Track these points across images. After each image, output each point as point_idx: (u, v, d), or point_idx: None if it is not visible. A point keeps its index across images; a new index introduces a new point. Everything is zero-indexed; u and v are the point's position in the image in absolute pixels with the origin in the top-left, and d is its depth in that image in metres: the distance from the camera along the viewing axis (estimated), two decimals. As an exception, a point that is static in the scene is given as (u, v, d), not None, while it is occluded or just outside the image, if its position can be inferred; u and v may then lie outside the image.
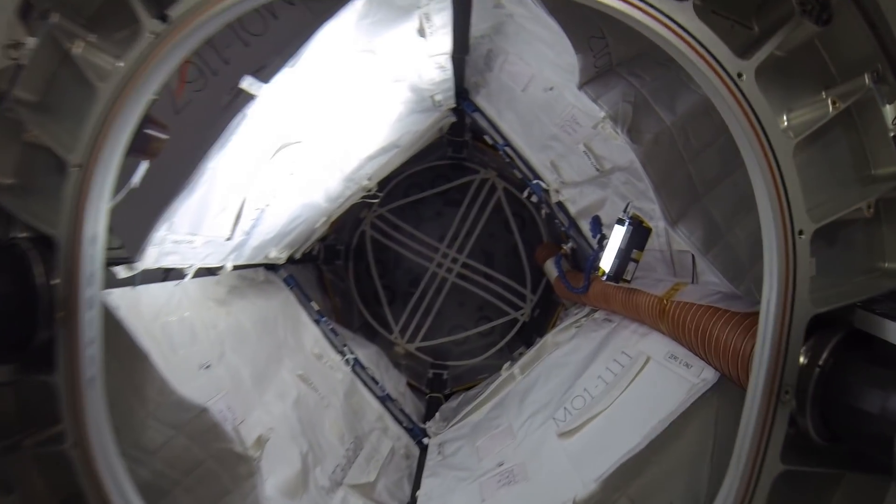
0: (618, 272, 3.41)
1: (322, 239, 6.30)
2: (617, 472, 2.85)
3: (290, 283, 5.00)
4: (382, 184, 6.95)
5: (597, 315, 4.50)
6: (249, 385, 4.07)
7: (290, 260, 5.11)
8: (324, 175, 4.05)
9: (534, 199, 4.75)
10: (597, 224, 3.93)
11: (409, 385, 6.36)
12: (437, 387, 6.47)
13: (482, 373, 6.59)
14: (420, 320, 7.27)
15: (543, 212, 4.79)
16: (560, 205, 4.59)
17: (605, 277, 3.43)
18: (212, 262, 3.72)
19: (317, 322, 4.92)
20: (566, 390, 3.90)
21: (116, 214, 2.53)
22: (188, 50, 2.12)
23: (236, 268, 4.17)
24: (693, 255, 3.52)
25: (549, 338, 4.63)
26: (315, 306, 4.98)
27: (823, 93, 1.92)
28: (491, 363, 6.93)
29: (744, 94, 1.75)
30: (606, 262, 3.48)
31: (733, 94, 1.75)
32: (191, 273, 3.48)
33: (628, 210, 3.48)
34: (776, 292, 1.78)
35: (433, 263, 7.32)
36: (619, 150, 3.83)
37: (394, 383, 5.45)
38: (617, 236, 3.43)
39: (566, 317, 5.70)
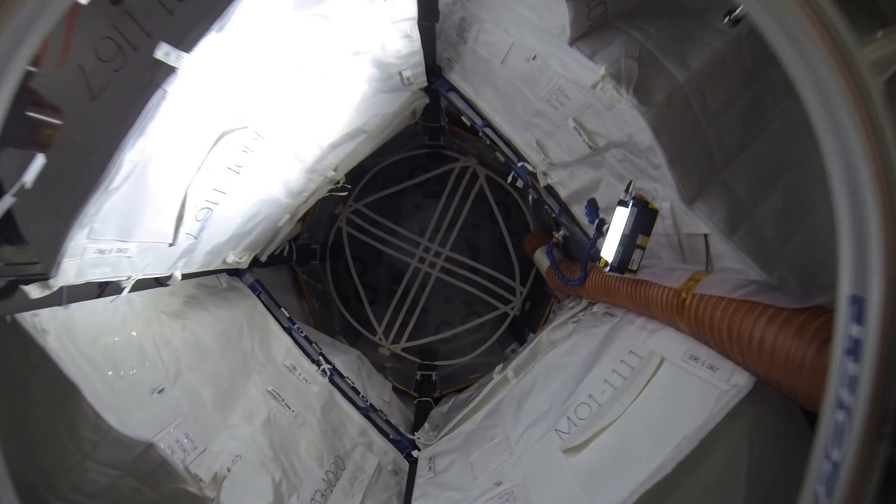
0: (622, 262, 2.90)
1: (294, 239, 5.75)
2: (639, 501, 2.35)
3: (257, 288, 4.46)
4: (355, 176, 6.45)
5: (595, 308, 3.99)
6: (212, 407, 3.54)
7: (257, 263, 4.57)
8: (281, 166, 3.51)
9: (519, 184, 4.23)
10: (593, 208, 3.42)
11: (396, 390, 5.85)
12: (425, 390, 5.95)
13: (473, 372, 6.09)
14: (404, 319, 6.75)
15: (531, 197, 4.27)
16: (549, 189, 4.08)
17: (607, 268, 2.92)
18: (155, 272, 3.17)
19: (288, 330, 4.38)
20: (568, 396, 3.39)
21: (26, 223, 2.10)
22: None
23: (188, 276, 3.62)
24: (706, 239, 3.03)
25: (544, 336, 4.12)
26: (286, 313, 4.44)
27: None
28: (482, 361, 6.43)
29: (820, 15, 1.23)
30: (608, 250, 2.97)
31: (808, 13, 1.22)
32: (128, 286, 2.93)
33: (631, 190, 2.97)
34: (879, 280, 1.25)
35: (415, 259, 6.80)
36: (614, 123, 3.33)
37: (378, 391, 4.93)
38: (619, 220, 2.92)
39: (560, 310, 5.20)
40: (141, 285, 3.15)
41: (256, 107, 2.94)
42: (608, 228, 3.11)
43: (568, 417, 3.25)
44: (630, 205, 2.87)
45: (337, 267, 6.70)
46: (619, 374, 3.16)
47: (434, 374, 6.21)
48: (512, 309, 6.61)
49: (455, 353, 6.66)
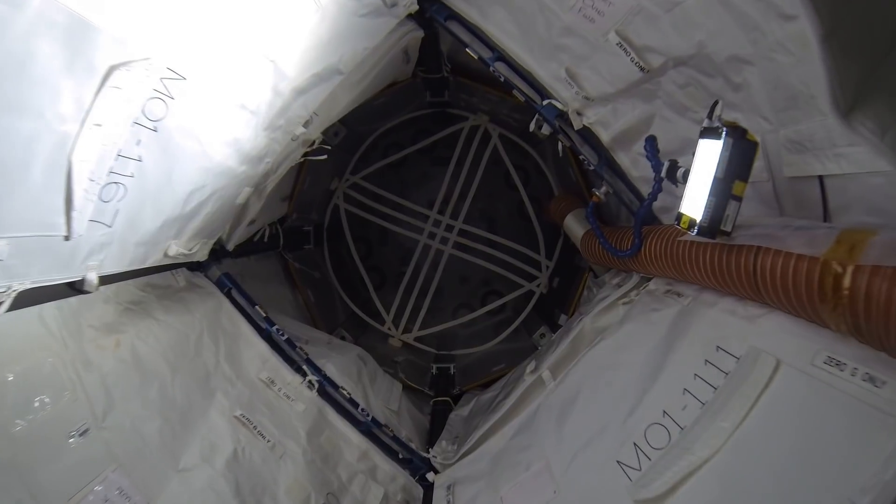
0: (713, 219, 1.88)
1: (280, 221, 4.77)
2: None
3: (225, 284, 3.49)
4: (351, 146, 5.44)
5: (652, 285, 2.97)
6: (157, 447, 2.64)
7: (224, 253, 3.59)
8: (223, 121, 2.51)
9: (545, 130, 3.18)
10: (654, 148, 2.38)
11: (409, 388, 4.89)
12: (443, 386, 4.98)
13: (497, 362, 5.10)
14: (416, 304, 5.77)
15: (560, 146, 3.24)
16: (584, 133, 3.04)
17: (695, 230, 1.90)
18: (54, 277, 2.19)
19: (265, 334, 3.41)
20: (631, 411, 2.40)
21: None
22: None
23: (119, 277, 2.65)
24: (822, 183, 2.02)
25: (587, 323, 3.10)
26: (261, 311, 3.46)
27: None
28: (506, 348, 5.45)
29: None
30: (691, 204, 1.94)
31: None
32: (7, 301, 1.97)
33: (718, 111, 1.95)
34: None
35: (424, 235, 5.79)
36: (677, 30, 2.34)
37: (384, 397, 3.95)
38: (706, 159, 1.90)
39: (598, 286, 4.18)
40: (39, 296, 2.21)
41: (162, 27, 1.94)
42: (685, 174, 2.08)
43: (635, 444, 2.26)
44: (723, 134, 1.84)
45: (336, 250, 5.71)
46: (705, 382, 2.17)
47: (452, 366, 5.23)
48: (538, 286, 5.59)
49: (475, 340, 5.67)
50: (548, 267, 5.55)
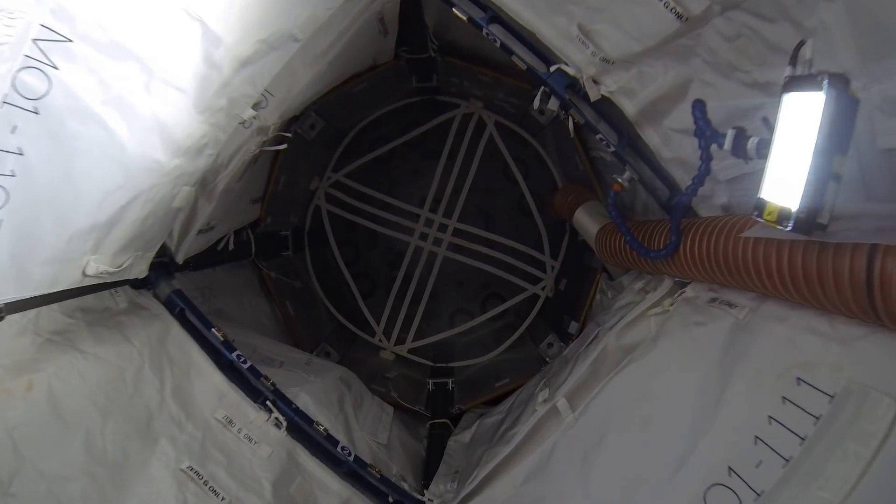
0: (813, 208, 1.28)
1: (252, 226, 4.16)
2: None
3: (176, 304, 2.88)
4: (332, 140, 4.83)
5: (690, 292, 2.36)
6: (79, 513, 2.05)
7: (173, 266, 2.98)
8: (138, 101, 1.91)
9: (552, 106, 2.57)
10: (703, 113, 1.77)
11: (402, 408, 4.29)
12: (440, 406, 4.37)
13: (500, 376, 4.50)
14: (409, 312, 5.15)
15: (571, 124, 2.62)
16: (602, 106, 2.43)
17: (790, 224, 1.29)
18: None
19: (224, 362, 2.80)
20: (681, 462, 1.80)
21: None
22: None
23: (23, 306, 2.06)
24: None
25: (611, 341, 2.50)
26: (219, 334, 2.85)
27: None
28: (510, 358, 4.84)
29: None
30: (782, 188, 1.34)
31: None
32: None
33: (807, 56, 1.36)
34: None
35: (415, 236, 5.17)
36: None
37: (371, 427, 3.34)
38: (799, 122, 1.30)
39: (613, 290, 3.58)
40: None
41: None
42: (760, 145, 1.49)
43: (694, 512, 1.67)
44: (824, 85, 1.24)
45: (319, 256, 5.09)
46: (785, 428, 1.59)
47: (451, 381, 4.62)
48: (543, 289, 4.98)
49: (475, 349, 5.06)
50: (553, 268, 4.94)
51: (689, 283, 2.41)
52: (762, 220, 1.37)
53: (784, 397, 1.63)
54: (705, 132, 1.75)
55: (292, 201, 4.75)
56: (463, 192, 5.09)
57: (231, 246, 3.70)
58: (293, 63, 2.42)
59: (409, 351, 5.06)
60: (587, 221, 3.29)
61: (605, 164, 3.90)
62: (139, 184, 2.14)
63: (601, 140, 2.49)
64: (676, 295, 2.43)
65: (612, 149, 2.47)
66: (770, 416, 1.63)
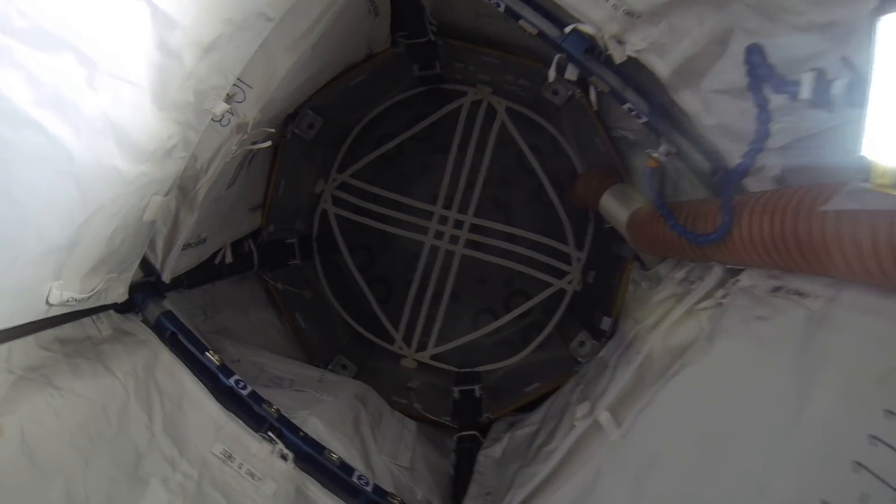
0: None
1: (253, 235, 3.86)
2: None
3: (165, 327, 2.58)
4: (334, 139, 4.52)
5: (745, 279, 2.01)
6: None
7: (159, 287, 2.69)
8: (77, 97, 1.60)
9: (570, 75, 2.22)
10: (761, 58, 1.42)
11: (427, 421, 3.97)
12: (468, 416, 4.04)
13: (530, 379, 4.15)
14: (429, 316, 4.82)
15: (594, 91, 2.27)
16: (628, 69, 2.07)
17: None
18: None
19: (222, 389, 2.50)
20: (759, 492, 1.45)
21: None
22: None
23: None
24: None
25: (657, 341, 2.15)
26: (214, 359, 2.54)
27: None
28: (539, 360, 4.49)
29: None
30: (889, 142, 0.99)
31: None
32: None
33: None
34: None
35: (430, 235, 4.84)
36: None
37: (391, 449, 3.02)
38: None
39: (648, 280, 3.21)
40: None
41: None
42: (849, 88, 1.14)
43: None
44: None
45: (331, 262, 4.78)
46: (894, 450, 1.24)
47: (478, 387, 4.29)
48: (570, 282, 4.62)
49: (502, 350, 4.71)
50: (579, 259, 4.58)
51: (742, 269, 2.05)
52: (868, 185, 1.03)
53: (889, 410, 1.28)
54: (770, 81, 1.39)
55: (296, 207, 4.45)
56: (477, 186, 4.74)
57: (229, 259, 3.40)
58: (269, 47, 2.11)
59: (432, 357, 4.73)
60: (616, 207, 2.93)
61: (629, 144, 3.54)
62: (97, 196, 1.83)
63: (630, 110, 2.13)
64: (729, 284, 2.07)
65: (644, 119, 2.12)
66: (872, 436, 1.28)
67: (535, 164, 4.60)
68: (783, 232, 1.57)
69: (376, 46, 3.56)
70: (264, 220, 3.93)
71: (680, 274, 2.54)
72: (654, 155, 2.05)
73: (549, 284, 4.67)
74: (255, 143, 2.47)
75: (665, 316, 2.27)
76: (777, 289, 1.85)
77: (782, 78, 1.38)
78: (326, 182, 4.66)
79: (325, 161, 4.61)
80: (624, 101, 2.11)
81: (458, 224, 4.79)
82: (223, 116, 2.20)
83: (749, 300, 1.93)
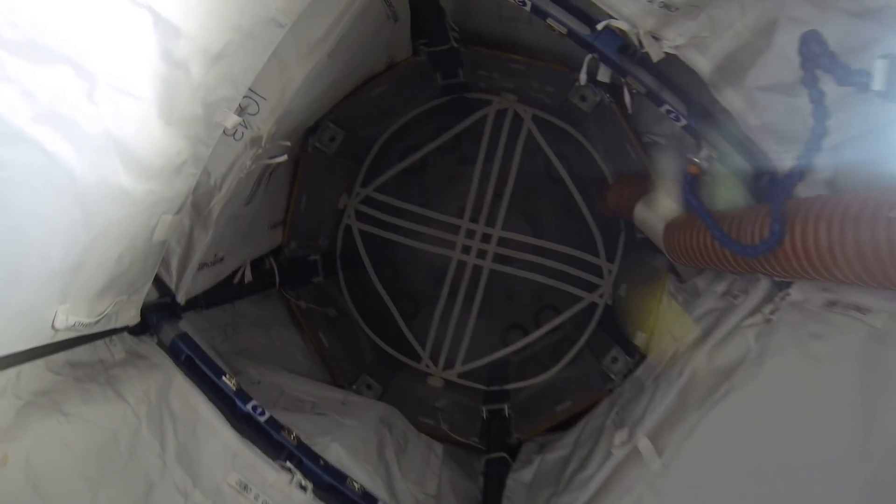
0: None
1: (274, 253, 3.78)
2: None
3: (181, 350, 2.49)
4: (357, 153, 4.43)
5: (795, 293, 1.84)
6: None
7: (175, 308, 2.60)
8: (79, 113, 1.51)
9: (603, 77, 2.08)
10: (821, 44, 1.27)
11: (454, 442, 3.83)
12: (496, 435, 3.88)
13: (560, 398, 3.97)
14: (456, 333, 4.68)
15: (629, 94, 2.12)
16: (664, 68, 1.93)
17: None
18: None
19: (239, 415, 2.40)
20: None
21: None
22: None
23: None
24: None
25: (701, 362, 1.98)
26: (231, 383, 2.44)
27: None
28: (569, 377, 4.31)
29: None
30: None
31: None
32: None
33: None
34: None
35: (457, 250, 4.71)
36: None
37: (417, 476, 2.88)
38: None
39: (685, 294, 3.04)
40: None
41: None
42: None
43: None
44: None
45: (355, 279, 4.68)
46: None
47: (506, 406, 4.13)
48: (601, 296, 4.45)
49: (531, 367, 4.55)
50: (611, 272, 4.41)
51: (792, 282, 1.89)
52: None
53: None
54: (833, 72, 1.24)
55: (320, 222, 4.36)
56: (504, 198, 4.61)
57: (249, 278, 3.31)
58: (282, 55, 2.01)
59: (460, 375, 4.58)
60: (650, 216, 2.77)
61: (661, 149, 3.38)
62: (102, 217, 1.74)
63: (668, 113, 1.98)
64: (778, 298, 1.90)
65: (683, 122, 1.97)
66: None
67: (564, 174, 4.46)
68: (843, 241, 1.41)
69: (397, 55, 3.46)
70: (286, 237, 3.84)
71: (720, 287, 2.37)
72: (696, 160, 1.90)
73: (579, 298, 4.50)
74: (272, 157, 2.38)
75: (707, 333, 2.11)
76: (832, 303, 1.68)
77: (847, 68, 1.23)
78: (350, 197, 4.56)
79: (348, 175, 4.52)
80: (661, 103, 1.96)
81: (486, 237, 4.66)
82: (236, 130, 2.11)
83: (801, 316, 1.77)
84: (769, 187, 1.84)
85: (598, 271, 4.44)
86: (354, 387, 4.12)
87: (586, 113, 3.80)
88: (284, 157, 2.33)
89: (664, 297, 3.49)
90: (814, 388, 1.57)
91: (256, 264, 3.58)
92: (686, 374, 1.97)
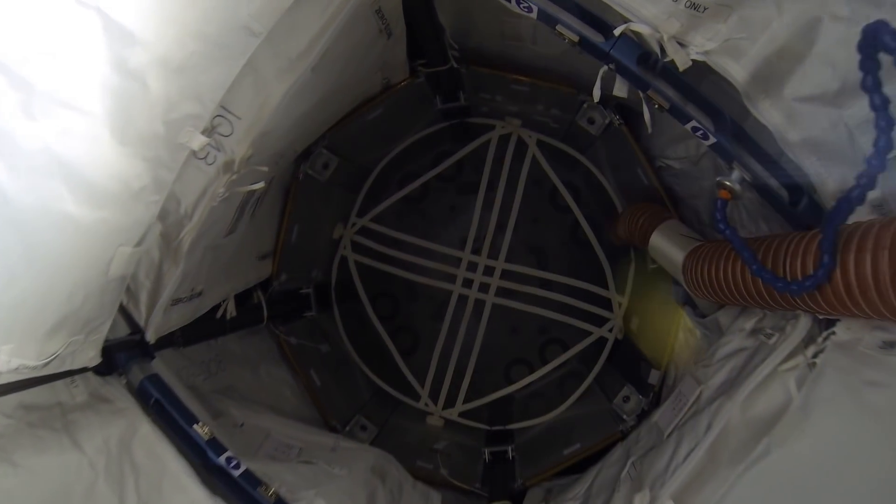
0: None
1: (263, 285, 3.56)
2: None
3: (149, 393, 2.25)
4: (354, 180, 4.24)
5: (841, 332, 1.60)
6: None
7: (144, 347, 2.36)
8: (20, 131, 1.31)
9: (619, 91, 1.86)
10: (893, 34, 1.06)
11: (454, 488, 3.56)
12: (499, 481, 3.60)
13: (569, 440, 3.69)
14: (457, 370, 4.41)
15: (648, 112, 1.89)
16: (689, 80, 1.71)
17: None
18: None
19: (209, 469, 2.15)
20: None
21: None
22: None
23: None
24: None
25: (734, 414, 1.73)
26: (202, 432, 2.19)
27: None
28: (577, 416, 4.04)
29: None
30: None
31: None
32: None
33: None
34: None
35: (458, 283, 4.47)
36: None
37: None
38: None
39: (704, 329, 2.80)
40: None
41: None
42: None
43: None
44: None
45: (351, 313, 4.44)
46: None
47: (510, 448, 3.84)
48: (610, 331, 4.20)
49: (537, 404, 4.28)
50: (621, 305, 4.16)
51: (837, 319, 1.65)
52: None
53: None
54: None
55: (312, 254, 4.13)
56: (508, 228, 4.38)
57: (232, 313, 3.08)
58: (258, 69, 1.80)
59: (461, 414, 4.31)
60: (668, 247, 2.54)
61: (675, 175, 3.18)
62: (47, 248, 1.51)
63: (695, 130, 1.75)
64: (821, 339, 1.66)
65: (712, 140, 1.74)
66: None
67: (571, 202, 4.24)
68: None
69: (393, 76, 3.27)
70: (275, 269, 3.62)
71: (748, 323, 2.13)
72: (727, 183, 1.68)
73: (588, 333, 4.25)
74: (249, 184, 2.16)
75: (734, 376, 1.86)
76: (890, 344, 1.44)
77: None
78: (345, 227, 4.35)
79: (343, 204, 4.30)
80: (687, 119, 1.73)
81: (489, 270, 4.42)
82: (207, 153, 1.90)
83: (852, 359, 1.52)
84: (809, 212, 1.61)
85: (607, 304, 4.20)
86: (348, 427, 3.86)
87: (594, 136, 3.59)
88: (262, 185, 2.10)
89: (680, 333, 3.26)
90: (874, 445, 1.33)
91: (243, 298, 3.36)
92: (717, 427, 1.71)
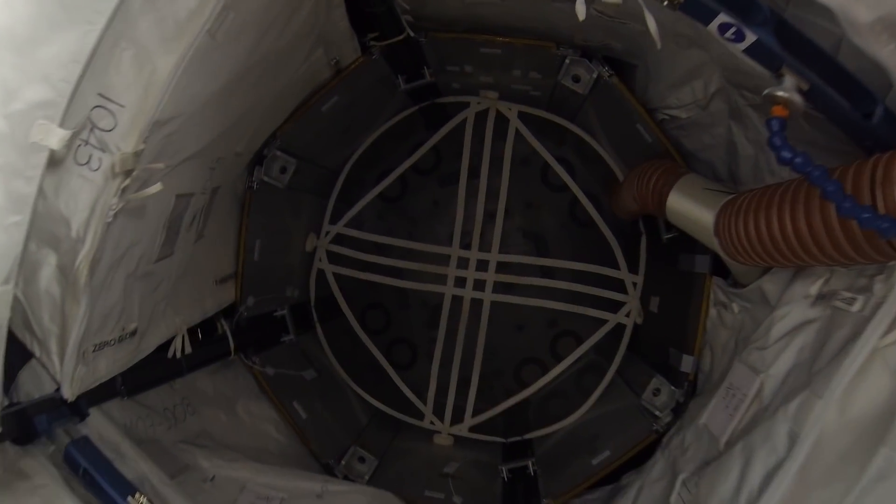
0: None
1: (227, 312, 3.11)
2: None
3: (76, 462, 1.81)
4: (322, 185, 3.79)
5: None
6: None
7: (84, 400, 1.93)
8: None
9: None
10: None
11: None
12: (523, 499, 3.18)
13: (595, 448, 3.24)
14: (462, 379, 3.95)
15: (652, 18, 1.45)
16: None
17: None
18: None
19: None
20: None
21: None
22: None
23: None
24: None
25: (832, 415, 1.28)
26: (141, 503, 1.75)
27: None
28: (603, 415, 3.58)
29: None
30: None
31: None
32: None
33: None
34: None
35: (449, 283, 4.01)
36: None
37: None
38: None
39: (743, 301, 2.35)
40: None
41: None
42: None
43: None
44: None
45: (337, 331, 3.98)
46: None
47: (531, 462, 3.39)
48: (628, 315, 3.74)
49: (555, 407, 3.81)
50: (636, 285, 3.70)
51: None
52: None
53: None
54: None
55: (285, 271, 3.67)
56: (498, 215, 3.93)
57: (188, 349, 2.63)
58: (136, 39, 1.36)
59: (471, 429, 3.84)
60: (692, 206, 2.07)
61: (682, 126, 2.74)
62: None
63: (723, 29, 1.28)
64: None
65: (750, 39, 1.28)
66: None
67: (566, 177, 3.78)
68: None
69: (342, 55, 2.83)
70: (239, 294, 3.17)
71: (812, 288, 1.68)
72: (779, 94, 1.22)
73: (603, 321, 3.79)
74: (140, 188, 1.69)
75: (812, 359, 1.41)
76: None
77: None
78: (318, 237, 3.89)
79: (313, 212, 3.84)
80: (711, 14, 1.26)
81: (482, 265, 3.97)
82: (90, 156, 1.45)
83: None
84: (887, 124, 1.17)
85: (620, 286, 3.73)
86: (344, 461, 3.40)
87: (583, 97, 3.13)
88: (158, 187, 1.64)
89: (711, 309, 2.82)
90: None
91: (207, 329, 2.92)
92: (808, 438, 1.26)
